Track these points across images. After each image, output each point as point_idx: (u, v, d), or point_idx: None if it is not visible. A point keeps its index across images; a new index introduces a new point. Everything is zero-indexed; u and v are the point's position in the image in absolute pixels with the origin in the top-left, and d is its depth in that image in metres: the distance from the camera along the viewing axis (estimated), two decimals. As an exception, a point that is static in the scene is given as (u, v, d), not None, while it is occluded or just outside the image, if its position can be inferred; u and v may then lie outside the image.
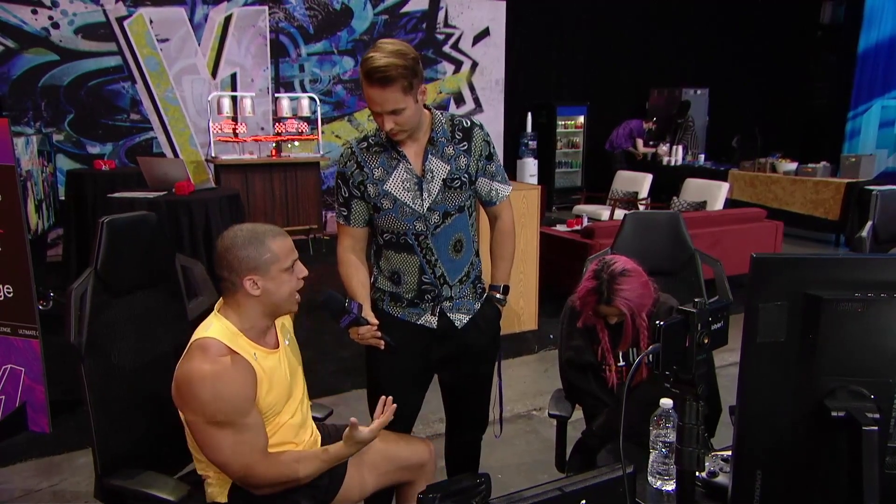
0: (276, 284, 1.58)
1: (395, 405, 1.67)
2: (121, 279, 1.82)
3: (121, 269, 1.82)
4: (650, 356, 1.12)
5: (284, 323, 1.79)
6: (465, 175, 1.89)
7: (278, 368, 1.66)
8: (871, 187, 6.61)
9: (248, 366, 1.55)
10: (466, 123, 1.91)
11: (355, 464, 1.80)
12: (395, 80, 1.67)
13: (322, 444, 1.82)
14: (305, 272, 1.66)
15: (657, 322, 1.10)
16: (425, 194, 1.85)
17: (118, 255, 1.81)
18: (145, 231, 1.92)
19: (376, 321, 1.84)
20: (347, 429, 1.58)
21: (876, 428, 1.02)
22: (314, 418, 1.91)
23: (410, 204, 1.85)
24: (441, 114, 1.90)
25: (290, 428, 1.71)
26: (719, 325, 1.14)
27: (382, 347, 1.84)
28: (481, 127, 1.93)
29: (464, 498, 0.87)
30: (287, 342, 1.76)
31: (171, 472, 1.81)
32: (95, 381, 1.71)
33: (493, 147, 1.96)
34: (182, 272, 2.03)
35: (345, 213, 1.93)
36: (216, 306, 1.66)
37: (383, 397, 1.70)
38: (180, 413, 1.59)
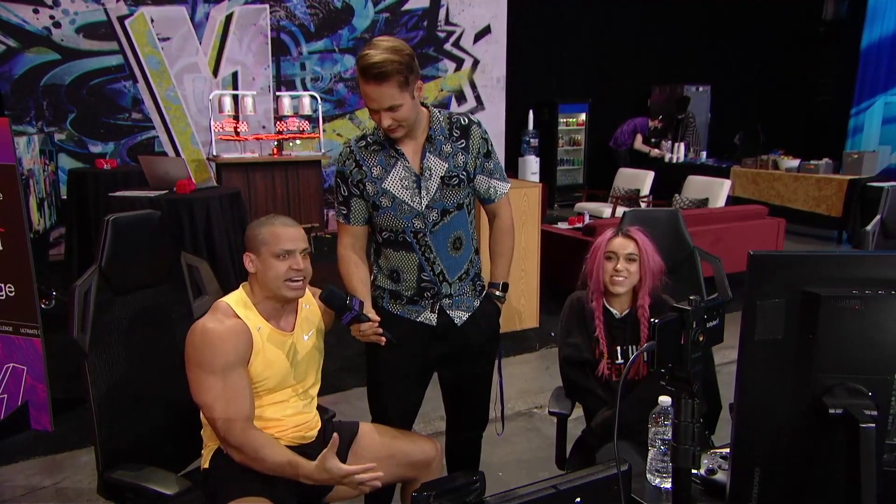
0: (265, 266, 1.69)
1: (378, 473, 1.58)
2: (125, 277, 1.84)
3: (125, 267, 1.83)
4: (646, 354, 1.11)
5: (312, 318, 1.84)
6: (464, 173, 1.89)
7: (279, 350, 1.71)
8: (877, 183, 6.59)
9: (246, 330, 1.66)
10: (464, 121, 1.91)
11: (355, 458, 1.81)
12: (392, 76, 1.67)
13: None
14: (299, 265, 1.69)
15: (652, 320, 1.10)
16: (423, 192, 1.85)
17: (123, 253, 1.82)
18: (150, 229, 1.94)
19: (378, 318, 1.84)
20: (325, 451, 1.56)
21: (873, 425, 1.02)
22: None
23: (409, 202, 1.85)
24: (439, 111, 1.90)
25: (276, 410, 1.74)
26: (714, 322, 1.14)
27: (384, 343, 1.84)
28: (479, 124, 1.93)
29: (458, 496, 0.87)
30: (307, 337, 1.80)
31: (174, 469, 1.81)
32: (98, 377, 1.72)
33: (491, 144, 1.96)
34: (188, 271, 2.04)
35: (344, 212, 1.93)
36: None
37: (371, 465, 1.59)
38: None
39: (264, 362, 1.68)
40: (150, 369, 1.86)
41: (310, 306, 1.86)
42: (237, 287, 1.76)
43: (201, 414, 1.70)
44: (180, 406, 1.63)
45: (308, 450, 1.73)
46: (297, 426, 1.78)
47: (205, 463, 1.74)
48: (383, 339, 1.83)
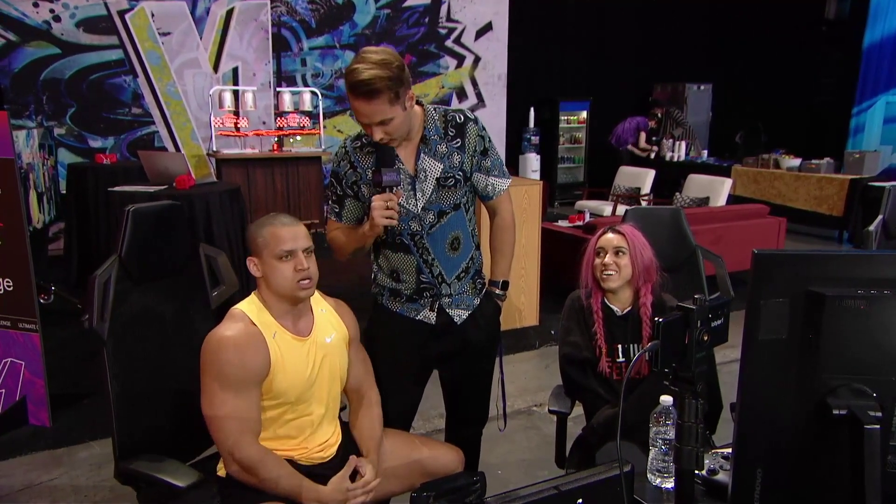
0: (269, 269, 1.64)
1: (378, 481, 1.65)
2: (145, 267, 1.87)
3: (145, 257, 1.87)
4: (649, 353, 1.10)
5: (333, 321, 1.76)
6: (459, 173, 1.86)
7: (298, 357, 1.65)
8: (878, 183, 6.58)
9: (262, 341, 1.60)
10: (460, 119, 1.87)
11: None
12: (381, 93, 1.63)
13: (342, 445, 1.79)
14: (303, 265, 1.62)
15: (656, 319, 1.09)
16: (419, 194, 1.83)
17: (143, 243, 1.86)
18: (170, 221, 1.97)
19: (402, 193, 1.81)
20: (342, 472, 1.57)
21: (878, 426, 1.01)
22: None
23: (404, 204, 1.83)
24: (434, 109, 1.86)
25: (298, 427, 1.68)
26: (719, 322, 1.13)
27: (395, 221, 1.76)
28: (475, 121, 1.89)
29: (458, 497, 0.86)
30: (329, 339, 1.73)
31: (188, 457, 1.84)
32: (116, 366, 1.75)
33: (489, 140, 1.92)
34: (206, 261, 2.09)
35: (336, 210, 1.93)
36: None
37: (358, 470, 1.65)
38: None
39: (284, 374, 1.62)
40: (166, 357, 1.88)
41: (326, 311, 1.78)
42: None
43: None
44: (196, 394, 1.62)
45: (326, 470, 1.67)
46: (320, 445, 1.71)
47: (221, 471, 1.70)
48: (395, 220, 1.75)
